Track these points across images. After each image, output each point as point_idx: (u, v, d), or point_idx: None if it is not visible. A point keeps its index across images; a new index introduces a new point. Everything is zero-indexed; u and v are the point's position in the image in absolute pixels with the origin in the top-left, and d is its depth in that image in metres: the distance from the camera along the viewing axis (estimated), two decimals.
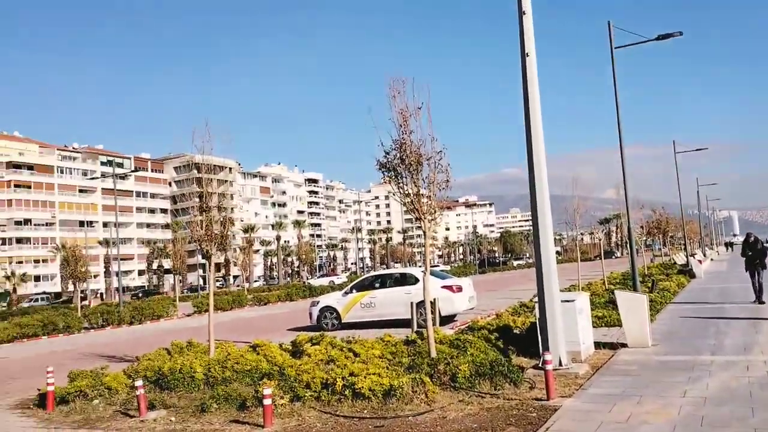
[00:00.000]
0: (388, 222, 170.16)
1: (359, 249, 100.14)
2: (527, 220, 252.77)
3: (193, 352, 10.86)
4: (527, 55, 8.96)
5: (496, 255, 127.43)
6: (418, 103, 8.71)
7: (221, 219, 10.58)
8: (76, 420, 7.95)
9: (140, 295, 79.04)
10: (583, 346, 9.31)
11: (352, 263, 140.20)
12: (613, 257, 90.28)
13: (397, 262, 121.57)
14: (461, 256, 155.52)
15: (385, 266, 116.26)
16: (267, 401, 6.71)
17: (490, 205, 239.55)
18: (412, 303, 13.71)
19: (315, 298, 21.64)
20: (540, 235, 8.86)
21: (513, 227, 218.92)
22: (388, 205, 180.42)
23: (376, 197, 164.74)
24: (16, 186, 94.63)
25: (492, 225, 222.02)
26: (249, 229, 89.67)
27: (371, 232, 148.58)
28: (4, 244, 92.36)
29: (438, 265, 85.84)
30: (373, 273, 23.92)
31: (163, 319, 29.73)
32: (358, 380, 7.47)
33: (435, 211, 8.99)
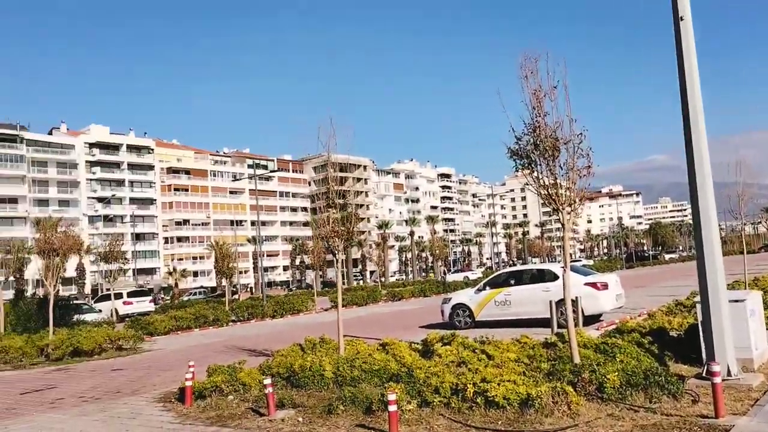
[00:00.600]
0: (524, 215, 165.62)
1: (494, 244, 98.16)
2: (680, 210, 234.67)
3: (324, 349, 10.80)
4: (682, 19, 7.82)
5: (645, 248, 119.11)
6: (553, 82, 7.88)
7: (346, 215, 10.39)
8: (210, 416, 8.08)
9: (313, 286, 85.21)
10: (755, 353, 8.03)
11: (487, 258, 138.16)
12: None
13: (534, 257, 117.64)
14: (605, 250, 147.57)
15: (521, 261, 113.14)
16: (392, 407, 6.27)
17: (637, 195, 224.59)
18: (551, 301, 12.75)
19: (447, 294, 21.11)
20: (702, 224, 7.71)
21: (663, 218, 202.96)
22: (524, 198, 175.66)
23: (511, 190, 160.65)
24: (175, 189, 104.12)
25: (639, 216, 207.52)
26: (383, 225, 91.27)
27: (506, 226, 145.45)
28: (167, 242, 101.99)
29: (580, 260, 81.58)
30: (507, 269, 22.90)
31: (302, 313, 30.81)
32: (491, 387, 6.84)
33: (575, 202, 8.09)
